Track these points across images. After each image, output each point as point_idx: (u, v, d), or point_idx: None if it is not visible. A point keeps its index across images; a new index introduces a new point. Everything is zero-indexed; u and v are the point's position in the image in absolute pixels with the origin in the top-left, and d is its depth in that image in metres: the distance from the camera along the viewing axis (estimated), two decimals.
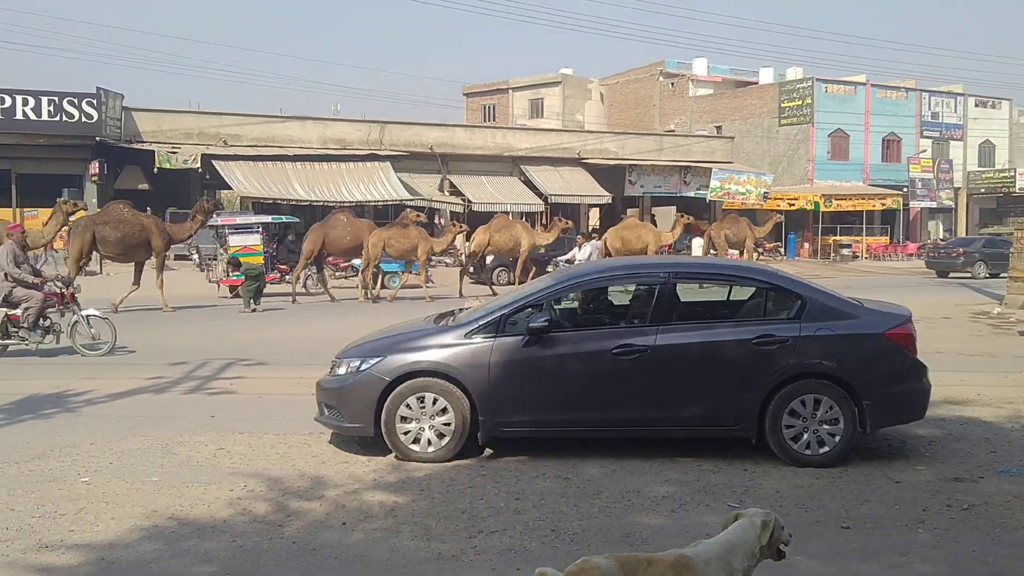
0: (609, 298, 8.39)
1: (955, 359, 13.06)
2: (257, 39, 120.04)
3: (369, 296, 21.87)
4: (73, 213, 18.37)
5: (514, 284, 23.20)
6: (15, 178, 29.14)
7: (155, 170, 29.91)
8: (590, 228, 35.63)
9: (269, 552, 5.21)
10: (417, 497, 6.20)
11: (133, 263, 19.04)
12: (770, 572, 4.97)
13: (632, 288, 8.16)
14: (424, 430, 7.05)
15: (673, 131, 47.76)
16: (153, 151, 29.75)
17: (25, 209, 28.74)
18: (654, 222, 36.80)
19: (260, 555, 5.17)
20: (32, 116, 28.17)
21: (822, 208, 41.57)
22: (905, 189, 45.27)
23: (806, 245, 43.43)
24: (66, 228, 18.76)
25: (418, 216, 23.48)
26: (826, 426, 6.94)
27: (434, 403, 7.04)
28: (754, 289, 7.69)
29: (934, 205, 47.05)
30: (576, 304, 8.28)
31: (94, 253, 19.22)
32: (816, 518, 5.83)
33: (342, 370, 7.33)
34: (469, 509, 5.94)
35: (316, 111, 41.43)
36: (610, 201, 37.50)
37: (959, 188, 48.89)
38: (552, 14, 79.00)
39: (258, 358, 12.55)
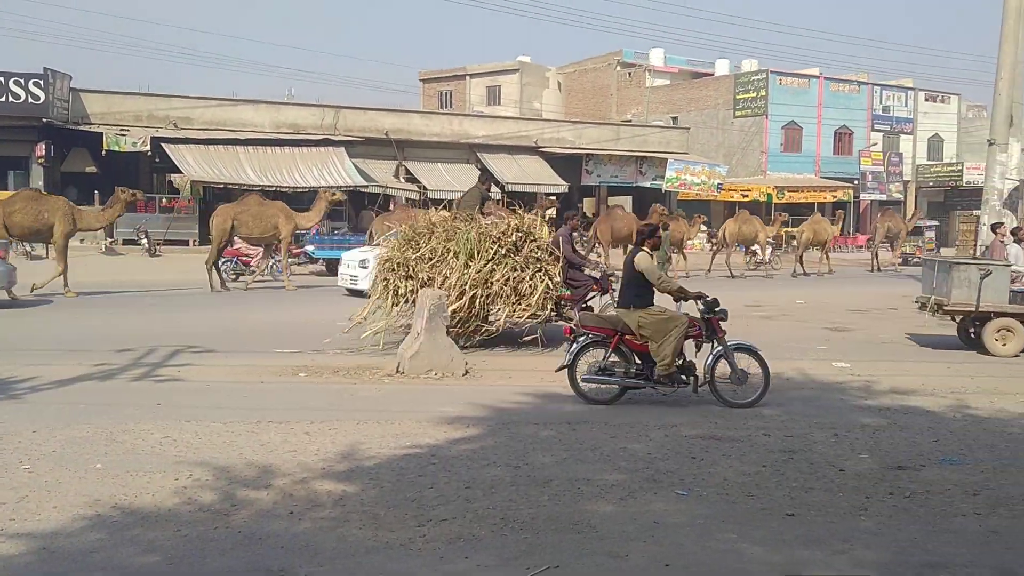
0: None
1: (900, 349, 13.34)
2: (209, 21, 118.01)
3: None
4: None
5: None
6: None
7: (103, 153, 29.30)
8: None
9: (214, 541, 5.14)
10: (366, 486, 6.16)
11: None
12: (717, 562, 5.04)
13: None
14: None
15: (630, 121, 47.90)
16: (101, 133, 29.11)
17: None
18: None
19: (205, 544, 5.09)
20: None
21: (775, 200, 42.02)
22: (856, 182, 45.97)
23: None
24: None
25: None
26: None
27: None
28: None
29: (884, 198, 47.81)
30: None
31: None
32: (762, 505, 5.91)
33: None
34: (418, 498, 5.91)
35: (269, 95, 40.84)
36: (567, 190, 37.51)
37: (908, 181, 49.75)
38: (510, 1, 78.75)
39: (208, 345, 12.36)
